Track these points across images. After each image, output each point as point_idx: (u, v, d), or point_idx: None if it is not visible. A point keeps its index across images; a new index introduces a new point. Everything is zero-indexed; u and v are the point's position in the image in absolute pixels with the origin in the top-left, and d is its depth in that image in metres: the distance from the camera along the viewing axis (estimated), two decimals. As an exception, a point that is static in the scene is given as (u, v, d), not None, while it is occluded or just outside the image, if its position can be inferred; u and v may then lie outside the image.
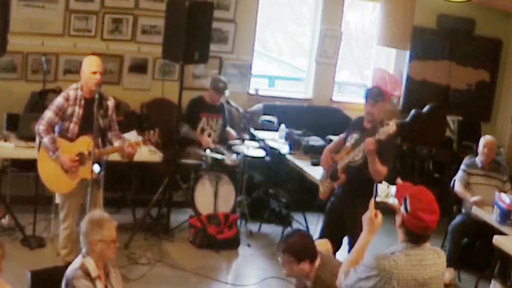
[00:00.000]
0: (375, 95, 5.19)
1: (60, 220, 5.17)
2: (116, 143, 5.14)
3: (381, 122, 5.11)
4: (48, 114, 4.98)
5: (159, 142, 5.47)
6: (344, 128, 5.55)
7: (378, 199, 3.10)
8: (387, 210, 3.15)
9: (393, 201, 3.07)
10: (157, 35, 7.09)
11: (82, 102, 5.00)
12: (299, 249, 3.75)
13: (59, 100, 5.00)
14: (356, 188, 5.09)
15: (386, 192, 3.10)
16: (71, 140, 5.01)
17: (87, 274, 3.52)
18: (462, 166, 6.32)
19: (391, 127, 4.81)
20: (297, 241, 3.80)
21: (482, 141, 6.22)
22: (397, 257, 2.94)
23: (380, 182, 4.72)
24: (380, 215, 3.12)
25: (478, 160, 6.22)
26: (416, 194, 2.98)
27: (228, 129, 7.09)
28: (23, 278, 3.66)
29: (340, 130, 5.71)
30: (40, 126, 4.98)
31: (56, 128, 5.06)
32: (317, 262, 3.79)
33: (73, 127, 5.01)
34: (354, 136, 5.24)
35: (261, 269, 6.11)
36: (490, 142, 6.19)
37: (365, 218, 3.14)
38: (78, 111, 5.00)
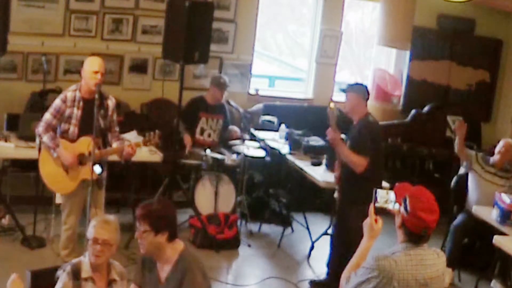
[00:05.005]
0: (348, 86, 5.43)
1: (62, 221, 5.18)
2: (115, 144, 5.14)
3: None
4: (47, 116, 5.00)
5: (159, 144, 5.48)
6: (344, 128, 5.57)
7: (377, 205, 3.08)
8: (387, 213, 3.14)
9: (392, 207, 3.05)
10: (157, 35, 7.09)
11: (81, 103, 4.98)
12: (159, 218, 3.30)
13: (56, 102, 5.00)
14: (349, 183, 5.29)
15: (385, 198, 3.09)
16: (73, 141, 5.01)
17: (75, 272, 3.46)
18: (477, 152, 6.36)
19: None
20: (159, 209, 3.34)
21: (502, 142, 6.22)
22: (397, 257, 2.93)
23: (361, 174, 4.98)
24: (380, 221, 3.10)
25: (492, 158, 6.21)
26: (415, 194, 2.98)
27: (231, 127, 7.04)
28: (23, 278, 3.65)
29: (340, 130, 5.71)
30: (40, 128, 4.99)
31: (58, 130, 5.05)
32: (181, 245, 3.43)
33: (72, 129, 5.00)
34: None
35: (261, 269, 6.11)
36: (509, 144, 6.19)
37: (365, 224, 3.12)
38: (77, 113, 4.98)
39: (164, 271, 3.42)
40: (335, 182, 5.57)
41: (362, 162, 5.09)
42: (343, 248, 5.43)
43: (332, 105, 5.25)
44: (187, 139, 6.62)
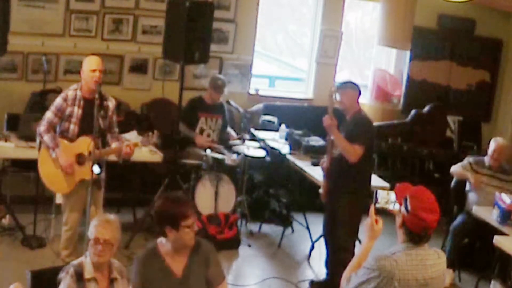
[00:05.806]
0: (342, 83, 5.49)
1: (63, 221, 5.18)
2: (114, 145, 5.14)
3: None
4: (48, 115, 5.01)
5: (158, 144, 5.48)
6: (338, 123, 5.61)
7: (378, 205, 3.09)
8: (387, 213, 3.14)
9: (393, 207, 3.05)
10: (157, 35, 7.09)
11: (82, 102, 5.01)
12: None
13: (58, 100, 5.02)
14: (339, 178, 5.35)
15: (386, 198, 3.09)
16: (72, 140, 5.02)
17: (78, 273, 3.46)
18: (469, 159, 6.22)
19: None
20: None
21: (492, 144, 6.10)
22: (398, 257, 2.93)
23: (354, 162, 5.04)
24: (380, 221, 3.10)
25: (486, 160, 6.16)
26: (416, 194, 2.98)
27: (229, 129, 7.07)
28: (23, 278, 3.66)
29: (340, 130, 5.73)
30: (41, 127, 5.00)
31: (57, 129, 5.07)
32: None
33: (72, 127, 5.02)
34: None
35: (261, 269, 6.11)
36: (500, 146, 6.04)
37: (366, 224, 3.12)
38: (77, 111, 5.00)
39: (180, 262, 3.48)
40: (324, 174, 5.60)
41: (358, 151, 5.20)
42: (336, 242, 5.46)
43: (333, 88, 5.33)
44: (199, 139, 6.66)
